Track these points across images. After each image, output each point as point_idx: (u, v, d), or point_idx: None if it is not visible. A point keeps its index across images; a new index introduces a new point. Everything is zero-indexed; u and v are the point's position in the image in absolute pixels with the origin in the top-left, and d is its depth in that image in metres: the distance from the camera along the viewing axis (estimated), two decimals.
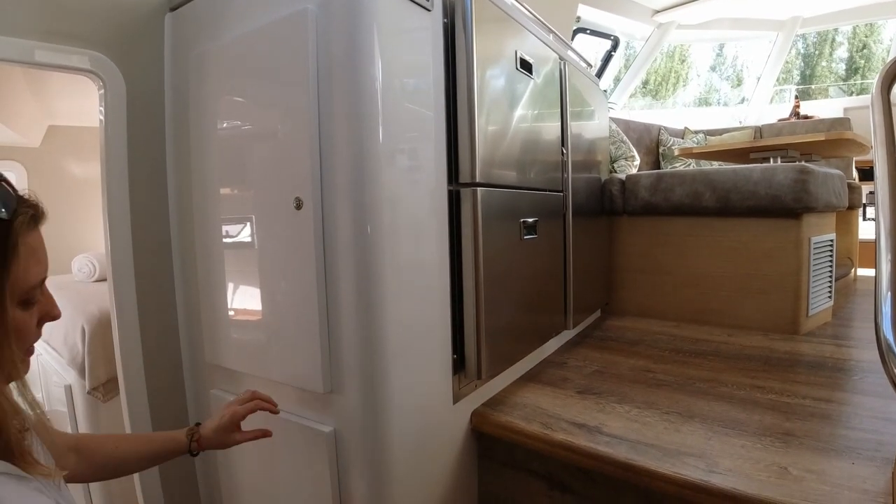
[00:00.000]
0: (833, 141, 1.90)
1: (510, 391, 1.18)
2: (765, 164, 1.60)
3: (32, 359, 0.57)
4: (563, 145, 1.38)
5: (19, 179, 2.34)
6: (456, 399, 1.02)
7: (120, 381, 1.14)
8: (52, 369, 1.61)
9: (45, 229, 0.54)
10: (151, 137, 1.11)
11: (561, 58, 1.39)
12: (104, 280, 1.90)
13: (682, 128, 3.09)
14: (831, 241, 1.69)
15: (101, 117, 1.04)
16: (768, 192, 1.55)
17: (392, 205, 0.84)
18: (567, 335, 1.56)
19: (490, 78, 1.02)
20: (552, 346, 1.45)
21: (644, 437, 0.95)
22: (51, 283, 0.56)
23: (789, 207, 1.53)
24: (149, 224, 1.12)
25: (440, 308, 0.97)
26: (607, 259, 1.83)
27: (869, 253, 2.57)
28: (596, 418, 1.03)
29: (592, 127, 1.67)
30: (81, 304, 1.54)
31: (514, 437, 1.01)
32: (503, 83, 1.09)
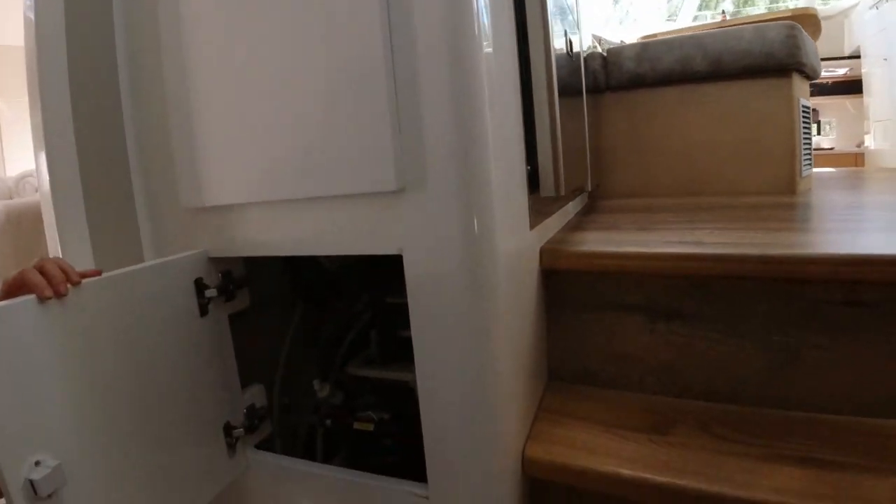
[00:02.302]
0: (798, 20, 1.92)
1: (567, 234, 1.00)
2: (755, 24, 1.55)
3: None
4: None
5: None
6: (531, 225, 0.81)
7: None
8: None
9: None
10: None
11: None
12: None
13: (619, 41, 3.04)
14: (809, 108, 1.70)
15: None
16: (762, 50, 1.50)
17: None
18: (574, 207, 1.40)
19: None
20: (571, 209, 1.29)
21: (760, 241, 0.82)
22: None
23: (784, 63, 1.49)
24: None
25: (514, 98, 0.75)
26: (591, 141, 1.70)
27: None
28: (689, 237, 0.88)
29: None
30: None
31: (602, 265, 0.83)
32: None
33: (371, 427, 0.83)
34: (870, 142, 2.69)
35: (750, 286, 0.79)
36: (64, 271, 0.58)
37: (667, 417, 0.79)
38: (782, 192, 1.52)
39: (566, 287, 0.88)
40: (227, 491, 0.82)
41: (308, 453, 0.98)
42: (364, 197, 0.64)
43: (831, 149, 3.37)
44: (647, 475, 0.67)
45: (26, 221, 1.03)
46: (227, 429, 0.81)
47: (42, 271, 0.57)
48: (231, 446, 0.81)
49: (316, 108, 0.64)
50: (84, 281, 0.60)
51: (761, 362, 0.80)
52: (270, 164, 0.69)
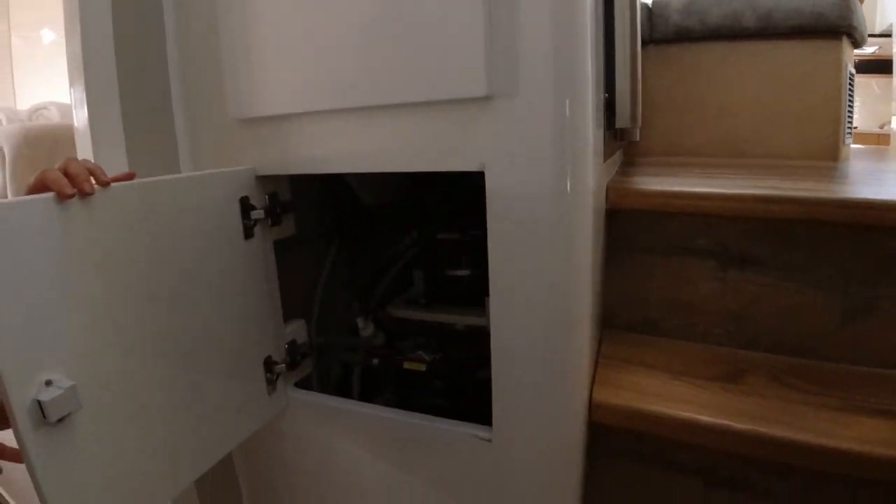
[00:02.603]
0: None
1: (622, 178, 0.94)
2: None
3: None
4: None
5: None
6: (604, 157, 0.76)
7: None
8: None
9: None
10: None
11: None
12: None
13: None
14: (853, 75, 1.64)
15: None
16: (812, 10, 1.44)
17: None
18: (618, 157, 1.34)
19: None
20: (617, 159, 1.23)
21: (837, 189, 0.77)
22: None
23: (834, 25, 1.43)
24: None
25: (595, 18, 0.69)
26: None
27: None
28: (762, 183, 0.83)
29: None
30: None
31: (676, 205, 0.77)
32: None
33: (423, 367, 0.78)
34: None
35: (829, 233, 0.75)
36: (91, 172, 0.51)
37: (736, 368, 0.75)
38: (825, 158, 1.47)
39: (629, 229, 0.83)
40: (265, 431, 0.77)
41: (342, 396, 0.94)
42: (445, 104, 0.58)
43: (854, 127, 3.31)
44: (728, 422, 0.63)
45: (44, 145, 0.96)
46: (268, 364, 0.76)
47: (66, 171, 0.50)
48: (271, 383, 0.76)
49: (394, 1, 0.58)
50: (114, 184, 0.54)
51: (834, 314, 0.76)
52: (338, 66, 0.62)
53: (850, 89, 1.54)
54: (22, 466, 0.50)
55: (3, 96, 1.85)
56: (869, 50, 3.07)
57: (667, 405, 0.66)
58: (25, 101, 1.84)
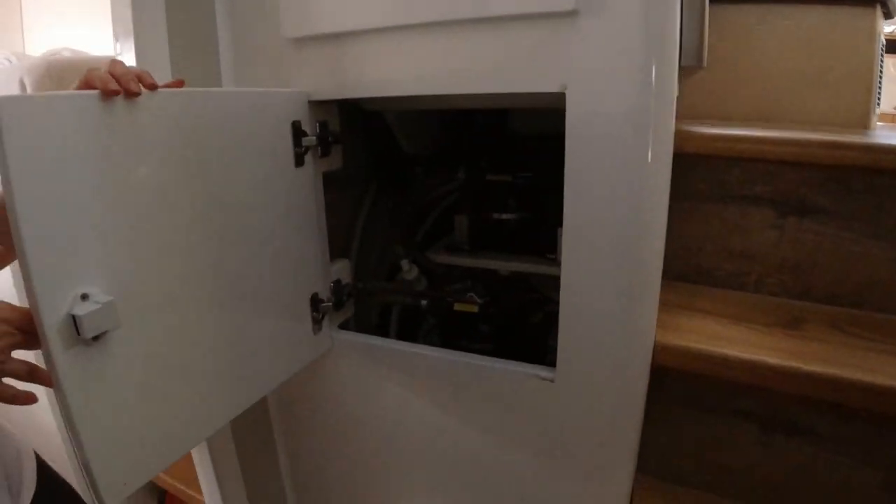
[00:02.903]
0: None
1: None
2: None
3: None
4: None
5: None
6: None
7: None
8: None
9: None
10: None
11: None
12: None
13: None
14: (884, 46, 1.62)
15: None
16: None
17: None
18: None
19: None
20: None
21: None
22: None
23: None
24: None
25: None
26: None
27: None
28: (821, 134, 0.81)
29: None
30: (12, 69, 1.01)
31: (739, 149, 0.75)
32: None
33: (475, 309, 0.76)
34: None
35: (888, 184, 0.73)
36: (137, 75, 0.48)
37: (793, 316, 0.74)
38: (856, 126, 1.45)
39: (684, 175, 0.80)
40: (308, 372, 0.75)
41: None
42: (526, 19, 0.55)
43: None
44: (798, 364, 0.62)
45: (68, 78, 0.92)
46: (315, 301, 0.73)
47: (111, 72, 0.46)
48: (317, 322, 0.74)
49: None
50: (162, 90, 0.50)
51: (893, 265, 0.74)
52: None
53: (881, 59, 1.52)
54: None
55: (11, 42, 1.79)
56: (886, 30, 3.05)
57: (732, 347, 0.65)
58: (33, 49, 1.77)
